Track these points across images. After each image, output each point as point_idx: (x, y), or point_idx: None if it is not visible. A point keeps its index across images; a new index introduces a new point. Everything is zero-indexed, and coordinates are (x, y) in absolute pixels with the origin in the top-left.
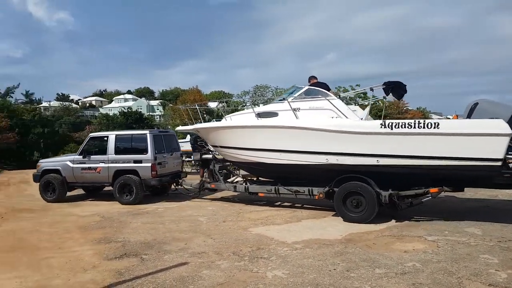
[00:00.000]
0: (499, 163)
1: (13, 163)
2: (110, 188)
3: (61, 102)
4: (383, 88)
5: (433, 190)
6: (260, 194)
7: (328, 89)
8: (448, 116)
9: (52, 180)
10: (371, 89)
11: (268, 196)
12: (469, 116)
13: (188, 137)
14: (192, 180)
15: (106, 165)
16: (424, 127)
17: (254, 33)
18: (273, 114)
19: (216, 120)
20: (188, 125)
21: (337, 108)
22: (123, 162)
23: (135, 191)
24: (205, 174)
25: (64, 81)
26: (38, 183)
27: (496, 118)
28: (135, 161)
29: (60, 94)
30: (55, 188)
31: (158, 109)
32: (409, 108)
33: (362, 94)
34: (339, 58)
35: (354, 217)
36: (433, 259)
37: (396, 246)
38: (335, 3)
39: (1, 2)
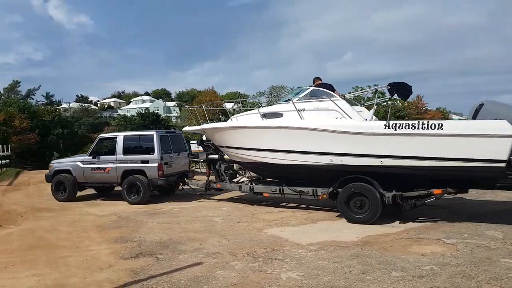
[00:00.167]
0: (503, 165)
1: (34, 163)
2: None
3: (81, 104)
4: (387, 89)
5: (437, 191)
6: (265, 194)
7: (333, 90)
8: (467, 116)
9: (63, 180)
10: (376, 90)
11: (273, 196)
12: (474, 117)
13: (205, 138)
14: (200, 180)
15: (115, 165)
16: (427, 128)
17: (270, 33)
18: (278, 115)
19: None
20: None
21: (341, 109)
22: (131, 162)
23: (142, 191)
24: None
25: (83, 83)
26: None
27: (500, 119)
28: (142, 161)
29: (80, 95)
30: (66, 188)
31: (174, 110)
32: (428, 108)
33: (366, 96)
34: (356, 57)
35: (357, 218)
36: (452, 262)
37: (414, 249)
38: (354, 2)
39: (23, 6)
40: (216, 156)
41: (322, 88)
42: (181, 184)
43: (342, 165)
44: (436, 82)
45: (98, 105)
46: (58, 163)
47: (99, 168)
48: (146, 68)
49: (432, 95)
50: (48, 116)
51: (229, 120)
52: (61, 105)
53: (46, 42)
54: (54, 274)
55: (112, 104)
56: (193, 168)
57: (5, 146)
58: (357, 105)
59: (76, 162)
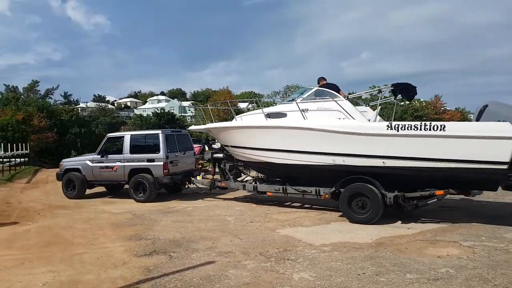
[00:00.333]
0: (505, 166)
1: (51, 161)
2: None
3: (98, 103)
4: (391, 90)
5: (439, 192)
6: (268, 193)
7: (338, 90)
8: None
9: (73, 178)
10: (380, 91)
11: (277, 195)
12: (478, 118)
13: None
14: (206, 179)
15: (122, 164)
16: (430, 130)
17: (285, 32)
18: (282, 115)
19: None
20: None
21: (344, 109)
22: (138, 161)
23: (148, 189)
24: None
25: (100, 83)
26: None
27: (503, 121)
28: (148, 160)
29: (97, 95)
30: (76, 186)
31: (189, 110)
32: (447, 108)
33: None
34: (373, 56)
35: (359, 218)
36: (468, 265)
37: (429, 251)
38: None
39: (43, 7)
40: (221, 155)
41: (327, 88)
42: (187, 182)
43: (344, 166)
44: (456, 82)
45: (115, 104)
46: (68, 162)
47: (107, 167)
48: (162, 68)
49: (451, 94)
50: (66, 115)
51: (234, 119)
52: (79, 104)
53: (65, 42)
54: (69, 270)
55: (128, 103)
56: (207, 167)
57: (24, 144)
58: (362, 105)
59: (86, 161)
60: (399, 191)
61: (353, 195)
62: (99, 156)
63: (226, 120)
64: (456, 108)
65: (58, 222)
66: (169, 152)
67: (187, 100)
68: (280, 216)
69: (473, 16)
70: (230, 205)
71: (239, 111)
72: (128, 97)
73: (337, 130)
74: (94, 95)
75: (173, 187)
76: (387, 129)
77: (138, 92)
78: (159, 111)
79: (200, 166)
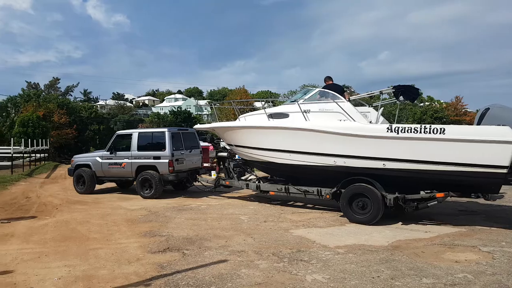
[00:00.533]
0: (505, 170)
1: (71, 157)
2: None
3: (117, 101)
4: (393, 92)
5: (439, 194)
6: (271, 193)
7: (343, 92)
8: None
9: (83, 174)
10: (381, 93)
11: (279, 195)
12: (479, 121)
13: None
14: (212, 177)
15: (130, 160)
16: (430, 132)
17: (303, 32)
18: (284, 116)
19: None
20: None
21: (345, 111)
22: (144, 158)
23: (154, 186)
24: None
25: (119, 81)
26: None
27: (504, 125)
28: (155, 157)
29: (116, 93)
30: (85, 181)
31: (205, 109)
32: (468, 110)
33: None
34: (393, 56)
35: (359, 218)
36: (487, 271)
37: (447, 255)
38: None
39: (64, 6)
40: (225, 154)
41: (332, 89)
42: (192, 180)
43: (345, 167)
44: (477, 83)
45: (133, 102)
46: (79, 158)
47: (115, 163)
48: (179, 67)
49: (473, 96)
50: (85, 112)
51: (237, 119)
52: (98, 102)
53: (85, 40)
54: (84, 265)
55: (146, 102)
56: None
57: (44, 140)
58: (365, 106)
59: (95, 157)
60: (400, 193)
61: (353, 195)
62: (108, 152)
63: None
64: (477, 110)
65: (75, 217)
66: (175, 150)
67: (203, 98)
68: (294, 216)
69: (495, 16)
70: (244, 204)
71: (255, 111)
72: (146, 95)
73: (338, 132)
74: (113, 93)
75: (180, 185)
76: (387, 131)
77: (156, 90)
78: (176, 110)
79: (214, 164)
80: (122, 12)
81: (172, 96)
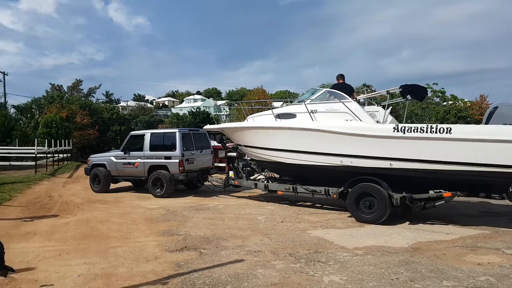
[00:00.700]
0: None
1: None
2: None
3: (137, 102)
4: (400, 91)
5: (447, 194)
6: (279, 192)
7: (352, 91)
8: None
9: (98, 173)
10: (388, 92)
11: (287, 194)
12: (487, 120)
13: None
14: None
15: (142, 160)
16: (436, 132)
17: (322, 30)
18: (291, 116)
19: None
20: None
21: (351, 111)
22: (156, 158)
23: (165, 185)
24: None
25: (140, 82)
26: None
27: (510, 124)
28: (166, 157)
29: (137, 94)
30: (100, 180)
31: (224, 109)
32: None
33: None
34: (416, 54)
35: (366, 217)
36: (511, 274)
37: (469, 258)
38: None
39: (87, 9)
40: (234, 154)
41: (341, 88)
42: (203, 179)
43: (352, 167)
44: (503, 81)
45: (154, 103)
46: (95, 158)
47: (129, 163)
48: (198, 68)
49: (498, 94)
50: (107, 113)
51: (246, 120)
52: (120, 103)
53: (107, 43)
54: (103, 263)
55: (166, 103)
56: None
57: (67, 141)
58: (374, 105)
59: (110, 157)
60: (407, 192)
61: (360, 195)
62: (123, 152)
63: None
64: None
65: (96, 216)
66: (185, 150)
67: (222, 99)
68: (311, 217)
69: None
70: (261, 205)
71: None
72: (166, 96)
73: (344, 132)
74: (134, 94)
75: (191, 184)
76: (394, 131)
77: (176, 91)
78: (195, 110)
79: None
80: (143, 14)
81: (191, 97)
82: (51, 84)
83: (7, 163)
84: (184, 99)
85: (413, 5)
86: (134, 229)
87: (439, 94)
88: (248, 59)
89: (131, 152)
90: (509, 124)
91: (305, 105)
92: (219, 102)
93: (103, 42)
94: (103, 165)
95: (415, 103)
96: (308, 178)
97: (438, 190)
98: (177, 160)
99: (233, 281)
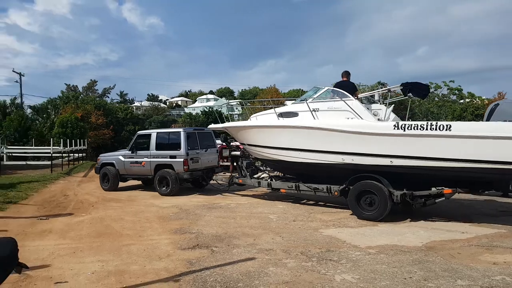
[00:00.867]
0: (511, 166)
1: None
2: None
3: (151, 102)
4: (401, 89)
5: (447, 191)
6: (282, 190)
7: (355, 89)
8: None
9: (107, 172)
10: (389, 91)
11: (290, 192)
12: (489, 117)
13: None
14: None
15: (149, 159)
16: (436, 129)
17: (336, 28)
18: (293, 114)
19: None
20: None
21: (352, 109)
22: (162, 157)
23: (171, 184)
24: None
25: (154, 82)
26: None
27: (510, 121)
28: (171, 156)
29: (151, 94)
30: (109, 179)
31: (237, 108)
32: None
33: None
34: (432, 52)
35: (367, 214)
36: None
37: (484, 257)
38: None
39: (101, 10)
40: (238, 153)
41: (343, 86)
42: (208, 178)
43: (353, 164)
44: None
45: (167, 103)
46: (105, 157)
47: (136, 162)
48: (211, 68)
49: None
50: (121, 113)
51: (249, 119)
52: (134, 103)
53: (121, 43)
54: (116, 260)
55: (179, 102)
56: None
57: (82, 140)
58: (377, 103)
59: (119, 156)
60: (408, 189)
61: (361, 192)
62: (130, 151)
63: None
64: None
65: (110, 214)
66: (190, 149)
67: (235, 98)
68: (324, 216)
69: None
70: (273, 203)
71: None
72: (179, 96)
73: (345, 130)
74: (148, 94)
75: (197, 182)
76: (394, 128)
77: (189, 91)
78: (208, 110)
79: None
80: (157, 14)
81: (204, 96)
82: (66, 84)
83: (23, 162)
84: (197, 98)
85: (428, 2)
86: (147, 227)
87: (456, 91)
88: (261, 58)
89: (138, 151)
90: (509, 121)
91: (307, 103)
92: (232, 102)
93: (117, 42)
94: (112, 164)
95: (430, 101)
96: (310, 176)
97: (440, 188)
98: (182, 159)
99: (244, 279)
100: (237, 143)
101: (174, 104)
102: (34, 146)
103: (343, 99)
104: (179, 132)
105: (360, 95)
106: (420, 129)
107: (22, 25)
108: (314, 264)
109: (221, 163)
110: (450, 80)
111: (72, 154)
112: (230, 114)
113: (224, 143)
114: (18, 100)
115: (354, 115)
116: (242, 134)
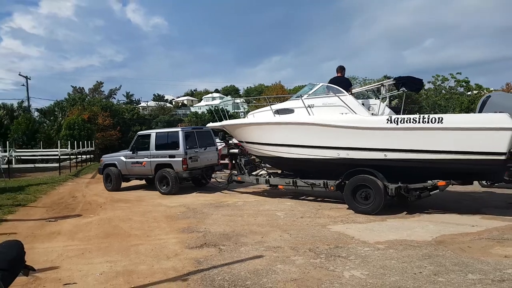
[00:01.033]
0: (503, 157)
1: None
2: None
3: (157, 102)
4: (393, 84)
5: (441, 183)
6: (280, 187)
7: (350, 85)
8: None
9: (110, 172)
10: (382, 85)
11: (288, 188)
12: (480, 109)
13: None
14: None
15: (149, 159)
16: (428, 122)
17: (341, 23)
18: (289, 111)
19: None
20: None
21: (346, 104)
22: (161, 157)
23: (171, 183)
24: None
25: (159, 82)
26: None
27: (500, 112)
28: (170, 156)
29: (156, 94)
30: (112, 179)
31: (242, 106)
32: None
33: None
34: (439, 44)
35: (363, 208)
36: None
37: (495, 250)
38: None
39: (105, 11)
40: (236, 151)
41: (338, 82)
42: (207, 176)
43: (348, 159)
44: None
45: (173, 103)
46: (107, 158)
47: (137, 162)
48: (216, 66)
49: None
50: (128, 114)
51: (246, 116)
52: (140, 103)
53: (125, 44)
54: (124, 261)
55: (185, 102)
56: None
57: (89, 142)
58: (372, 98)
59: (120, 156)
60: (402, 183)
61: (356, 186)
62: (131, 152)
63: None
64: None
65: (118, 214)
66: (189, 148)
67: (240, 96)
68: (332, 212)
69: None
70: (280, 201)
71: None
72: (185, 95)
73: (339, 125)
74: (154, 94)
75: (197, 181)
76: (387, 122)
77: (194, 90)
78: (213, 108)
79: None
80: (160, 14)
81: (209, 95)
82: (72, 86)
83: (32, 165)
84: (203, 97)
85: None
86: (155, 227)
87: (463, 83)
88: (266, 55)
89: (138, 152)
90: (500, 112)
91: (302, 100)
92: (237, 100)
93: (121, 43)
94: (114, 165)
95: (438, 94)
96: (307, 172)
97: (435, 180)
98: (181, 158)
99: (252, 277)
100: (235, 141)
101: (180, 104)
102: (42, 148)
103: (337, 94)
104: (177, 132)
105: (353, 90)
106: (412, 122)
107: (27, 29)
108: (322, 261)
109: (221, 162)
110: (457, 72)
111: (79, 156)
112: (235, 112)
113: (223, 142)
114: (25, 104)
115: (348, 110)
116: (239, 132)
